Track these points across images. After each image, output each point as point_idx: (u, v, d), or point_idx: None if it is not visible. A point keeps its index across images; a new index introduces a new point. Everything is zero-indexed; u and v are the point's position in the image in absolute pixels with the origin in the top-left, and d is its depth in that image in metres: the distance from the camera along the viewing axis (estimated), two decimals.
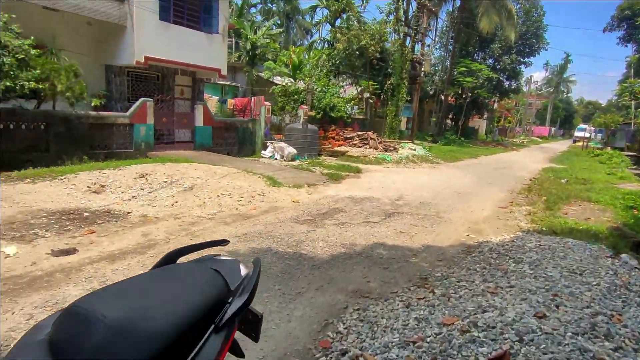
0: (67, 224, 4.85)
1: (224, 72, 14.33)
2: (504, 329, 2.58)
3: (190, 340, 0.89)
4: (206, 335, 0.94)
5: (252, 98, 19.04)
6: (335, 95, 18.61)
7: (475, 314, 2.89)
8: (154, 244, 4.44)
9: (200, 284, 1.02)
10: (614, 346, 2.39)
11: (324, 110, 17.31)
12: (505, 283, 3.63)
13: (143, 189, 6.79)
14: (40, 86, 8.08)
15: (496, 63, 31.29)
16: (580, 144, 37.85)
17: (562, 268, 4.00)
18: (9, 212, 5.03)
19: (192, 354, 0.88)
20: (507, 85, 33.16)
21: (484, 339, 2.48)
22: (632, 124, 29.73)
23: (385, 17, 22.25)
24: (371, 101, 22.99)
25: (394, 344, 2.55)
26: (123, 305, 0.83)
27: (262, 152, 13.70)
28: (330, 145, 16.18)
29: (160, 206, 6.05)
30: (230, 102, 21.07)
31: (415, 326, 2.78)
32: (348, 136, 17.11)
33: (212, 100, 19.76)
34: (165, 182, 7.21)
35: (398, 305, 3.20)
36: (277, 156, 12.96)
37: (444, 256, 4.67)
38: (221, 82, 21.56)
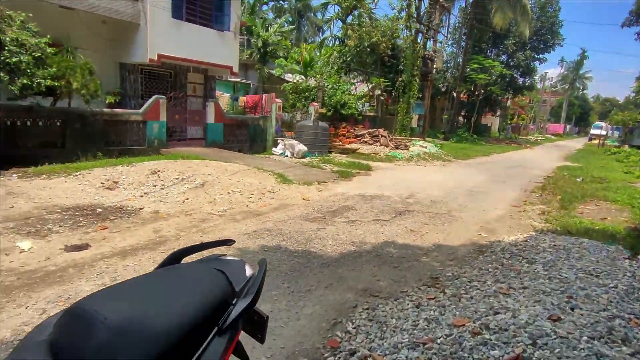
0: (81, 219, 4.93)
1: (236, 69, 14.36)
2: (516, 331, 2.53)
3: (192, 343, 0.88)
4: (209, 337, 0.92)
5: (264, 95, 19.07)
6: (346, 93, 18.53)
7: (487, 315, 2.84)
8: (165, 240, 4.48)
9: (204, 284, 1.00)
10: (631, 351, 2.32)
11: (335, 107, 17.25)
12: (518, 284, 3.56)
13: (155, 186, 6.86)
14: (56, 84, 8.21)
15: (510, 59, 30.79)
16: (596, 141, 37.06)
17: (578, 269, 3.91)
18: (25, 208, 5.13)
19: (195, 357, 0.87)
20: (520, 82, 32.62)
21: (495, 342, 2.43)
22: None
23: (397, 14, 22.04)
24: (382, 98, 22.84)
25: (403, 344, 2.52)
26: (124, 306, 0.82)
27: (273, 149, 13.73)
28: (340, 143, 16.13)
29: (172, 203, 6.11)
30: (242, 99, 21.12)
31: (425, 327, 2.75)
32: (359, 133, 17.03)
33: (224, 98, 19.84)
34: (176, 178, 7.27)
35: (408, 305, 3.16)
36: (288, 153, 12.97)
37: (455, 255, 4.61)
38: (233, 80, 21.64)
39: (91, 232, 4.52)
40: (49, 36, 7.98)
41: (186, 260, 1.17)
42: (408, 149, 16.09)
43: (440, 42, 26.18)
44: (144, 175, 7.27)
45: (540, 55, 31.23)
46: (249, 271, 1.17)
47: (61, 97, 9.06)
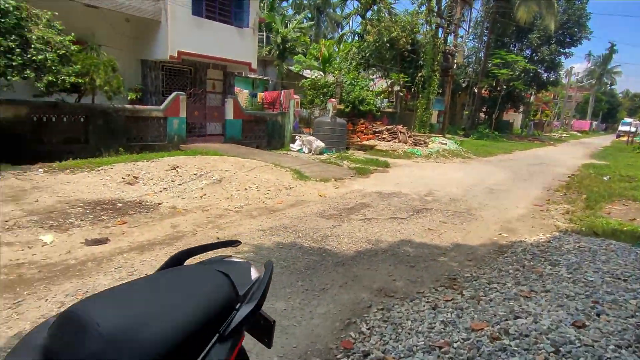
0: (101, 214, 5.03)
1: (254, 65, 14.42)
2: (538, 337, 2.43)
3: (191, 350, 0.84)
4: (209, 345, 0.89)
5: (282, 91, 19.11)
6: (364, 89, 18.37)
7: (506, 319, 2.74)
8: (182, 235, 4.53)
9: (206, 288, 0.97)
10: None
11: (353, 103, 17.12)
12: (540, 287, 3.44)
13: (174, 181, 6.96)
14: (80, 80, 8.41)
15: (534, 54, 29.85)
16: (624, 138, 35.61)
17: (604, 273, 3.75)
18: (49, 202, 5.28)
19: None
20: (545, 77, 31.58)
21: (515, 348, 2.34)
22: None
23: (417, 8, 21.68)
24: (401, 94, 22.55)
25: (418, 347, 2.45)
26: (120, 312, 0.80)
27: (291, 145, 13.75)
28: (358, 139, 16.01)
29: (190, 198, 6.18)
30: (261, 95, 21.24)
31: (442, 330, 2.68)
32: (377, 130, 16.86)
33: (242, 94, 19.99)
34: (195, 174, 7.35)
35: (424, 306, 3.09)
36: (305, 150, 12.96)
37: (474, 256, 4.50)
38: (252, 76, 21.75)
39: (111, 227, 4.62)
40: (73, 34, 8.16)
41: (190, 261, 1.14)
42: (427, 146, 15.85)
43: (462, 37, 25.71)
44: (164, 171, 7.39)
45: (566, 50, 30.13)
46: (254, 274, 1.14)
47: (85, 94, 9.29)
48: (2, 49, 6.88)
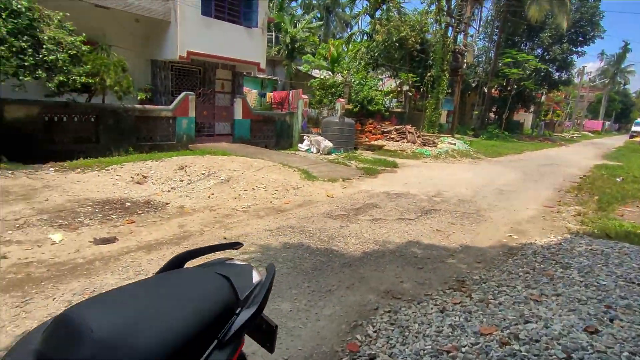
0: (110, 213, 5.07)
1: (263, 65, 14.45)
2: (549, 343, 2.37)
3: (188, 358, 0.82)
4: (208, 351, 0.86)
5: (291, 91, 19.11)
6: (373, 88, 18.30)
7: (516, 324, 2.68)
8: (189, 235, 4.54)
9: (205, 292, 0.94)
10: None
11: (362, 103, 17.06)
12: (550, 290, 3.37)
13: (182, 181, 6.99)
14: (91, 80, 8.50)
15: (545, 53, 29.40)
16: (638, 139, 35.00)
17: (617, 276, 3.66)
18: (59, 200, 5.33)
19: None
20: (556, 77, 31.10)
21: (525, 354, 2.29)
22: None
23: (426, 7, 21.53)
24: (410, 94, 22.42)
25: (425, 352, 2.41)
26: (114, 317, 0.78)
27: (299, 145, 13.74)
28: (367, 139, 15.95)
29: (197, 198, 6.20)
30: (269, 95, 21.29)
31: (450, 334, 2.63)
32: (385, 130, 16.78)
33: (251, 94, 20.05)
34: (203, 174, 7.38)
35: (432, 309, 3.05)
36: (313, 149, 12.94)
37: (483, 258, 4.43)
38: (261, 76, 21.81)
39: (119, 226, 4.65)
40: (84, 34, 8.25)
41: (191, 264, 1.12)
42: (436, 146, 15.72)
43: (472, 36, 25.49)
44: (172, 171, 7.43)
45: (579, 49, 29.65)
46: (256, 277, 1.11)
47: (96, 94, 9.39)
48: (14, 49, 6.98)
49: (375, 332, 2.71)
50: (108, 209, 5.23)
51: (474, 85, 29.82)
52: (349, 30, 35.10)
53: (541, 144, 25.42)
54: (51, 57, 7.41)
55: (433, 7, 20.65)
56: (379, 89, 20.29)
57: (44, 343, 0.76)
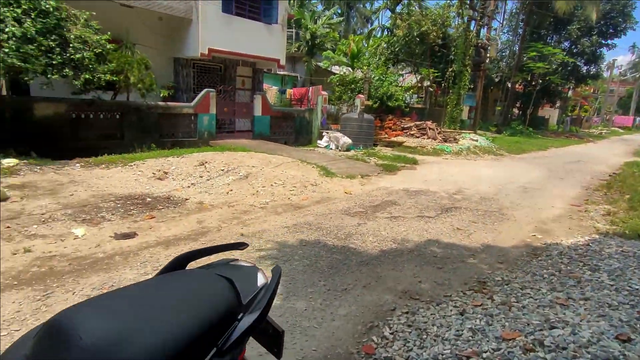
0: (131, 208, 5.17)
1: (283, 62, 14.47)
2: (577, 351, 2.25)
3: None
4: (206, 359, 0.82)
5: (310, 88, 19.10)
6: (393, 84, 18.06)
7: (541, 329, 2.57)
8: (207, 231, 4.57)
9: (205, 295, 0.90)
10: None
11: (381, 99, 16.89)
12: (578, 294, 3.22)
13: (201, 177, 7.07)
14: (115, 78, 8.69)
15: (573, 46, 28.22)
16: None
17: None
18: (83, 196, 5.47)
19: None
20: (584, 71, 29.80)
21: None
22: None
23: (448, 1, 21.05)
24: (431, 89, 22.04)
25: (444, 356, 2.33)
26: (106, 323, 0.74)
27: (318, 141, 13.71)
28: (386, 136, 15.77)
29: (216, 194, 6.25)
30: (289, 92, 21.34)
31: (470, 338, 2.54)
32: (405, 126, 16.54)
33: (271, 91, 20.14)
34: (222, 170, 7.44)
35: (451, 311, 2.96)
36: (332, 146, 12.89)
37: (505, 258, 4.29)
38: (281, 73, 21.88)
39: (139, 221, 4.73)
40: (109, 33, 8.43)
41: (194, 265, 1.08)
42: (457, 142, 15.39)
43: (495, 30, 24.78)
44: (192, 167, 7.52)
45: (609, 41, 28.24)
46: (261, 280, 1.05)
47: (120, 91, 9.60)
48: (43, 48, 7.19)
49: (391, 334, 2.64)
50: (129, 204, 5.33)
51: (497, 80, 29.03)
52: (369, 26, 34.79)
53: (567, 141, 24.55)
54: (78, 56, 7.59)
55: (455, 0, 20.19)
56: (399, 84, 20.01)
57: (34, 349, 0.74)
